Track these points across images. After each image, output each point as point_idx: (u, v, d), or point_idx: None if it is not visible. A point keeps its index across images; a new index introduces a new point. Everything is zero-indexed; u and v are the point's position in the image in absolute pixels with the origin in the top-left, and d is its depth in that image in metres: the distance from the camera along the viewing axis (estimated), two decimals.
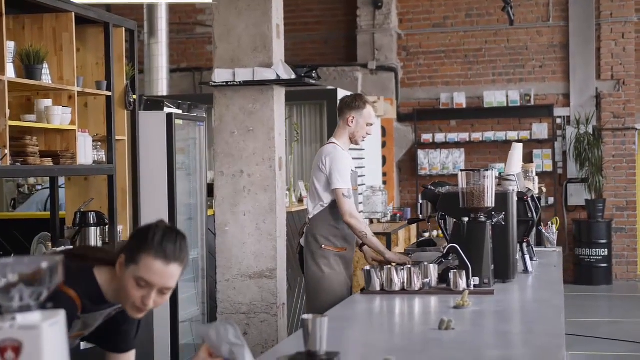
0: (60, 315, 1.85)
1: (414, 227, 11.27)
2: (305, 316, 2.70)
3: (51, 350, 1.79)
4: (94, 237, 5.55)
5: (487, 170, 4.37)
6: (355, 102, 5.17)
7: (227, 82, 5.46)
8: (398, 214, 10.73)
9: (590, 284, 11.97)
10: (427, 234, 11.04)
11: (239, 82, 5.42)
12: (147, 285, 2.47)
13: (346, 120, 5.14)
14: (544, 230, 6.24)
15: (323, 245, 5.05)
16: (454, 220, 4.46)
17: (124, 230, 5.96)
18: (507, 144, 11.62)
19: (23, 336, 1.74)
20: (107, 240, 5.67)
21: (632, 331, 8.97)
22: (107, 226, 5.68)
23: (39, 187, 8.65)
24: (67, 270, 2.63)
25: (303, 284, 7.68)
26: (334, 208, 5.04)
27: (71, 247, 5.12)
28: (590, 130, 12.20)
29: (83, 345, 4.71)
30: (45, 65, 5.02)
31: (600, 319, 9.91)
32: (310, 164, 10.02)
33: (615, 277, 12.30)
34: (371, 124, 5.19)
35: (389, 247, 8.85)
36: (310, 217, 5.15)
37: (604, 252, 12.04)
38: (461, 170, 4.41)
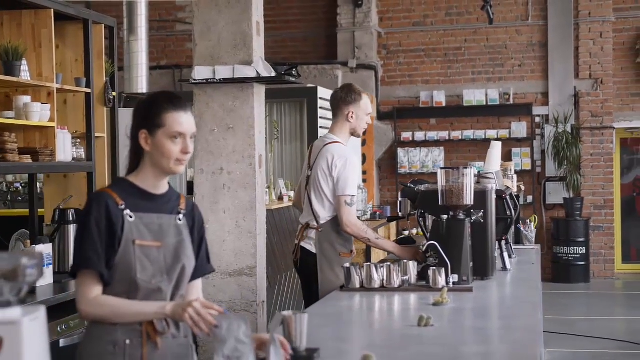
0: (41, 311, 1.85)
1: (393, 225, 11.31)
2: (285, 313, 2.71)
3: (32, 345, 1.79)
4: (74, 234, 5.52)
5: (466, 168, 4.39)
6: (351, 95, 4.98)
7: (207, 80, 5.45)
8: (378, 212, 10.77)
9: (568, 281, 12.07)
10: (406, 232, 11.09)
11: (219, 79, 5.41)
12: (181, 137, 2.82)
13: (345, 116, 4.97)
14: (522, 229, 6.27)
15: (341, 253, 4.91)
16: (433, 217, 4.49)
17: None
18: (486, 142, 11.65)
19: (3, 331, 1.74)
20: None
21: (609, 328, 9.06)
22: None
23: (17, 185, 8.61)
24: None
25: (284, 282, 7.69)
26: None
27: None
28: (569, 129, 12.29)
29: (62, 342, 4.72)
30: (24, 62, 5.00)
31: (578, 316, 9.98)
32: (291, 162, 10.05)
33: (593, 275, 12.40)
34: (370, 113, 5.05)
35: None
36: (321, 222, 4.91)
37: (581, 250, 12.13)
38: (441, 168, 4.43)
